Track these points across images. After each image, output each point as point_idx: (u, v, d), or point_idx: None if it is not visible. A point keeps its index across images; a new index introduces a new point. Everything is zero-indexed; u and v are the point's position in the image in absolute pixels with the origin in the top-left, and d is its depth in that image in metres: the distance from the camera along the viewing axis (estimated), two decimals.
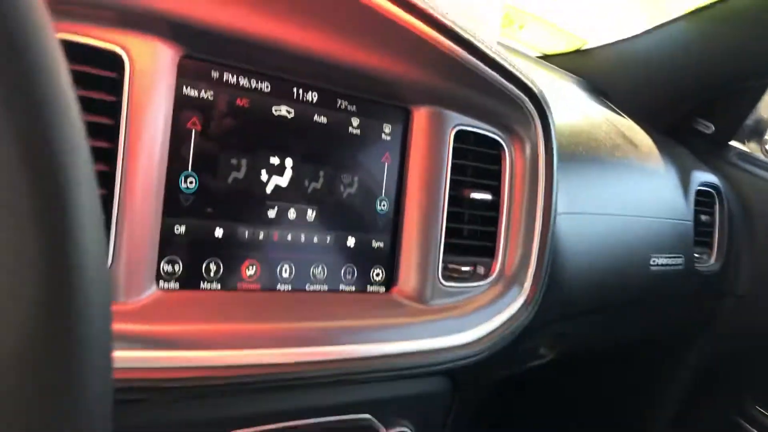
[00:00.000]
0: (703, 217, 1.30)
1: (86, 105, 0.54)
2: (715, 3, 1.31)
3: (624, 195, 1.08)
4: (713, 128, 1.48)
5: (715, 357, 1.46)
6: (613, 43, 1.53)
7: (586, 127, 1.10)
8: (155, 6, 0.54)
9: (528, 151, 0.83)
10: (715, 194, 1.34)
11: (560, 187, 0.92)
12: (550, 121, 0.82)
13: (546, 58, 1.62)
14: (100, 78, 0.54)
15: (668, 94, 1.47)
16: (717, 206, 1.35)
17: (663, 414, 1.53)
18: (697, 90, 1.45)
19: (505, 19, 1.52)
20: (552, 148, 0.82)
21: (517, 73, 0.76)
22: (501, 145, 0.83)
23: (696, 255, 1.28)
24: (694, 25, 1.38)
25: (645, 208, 1.12)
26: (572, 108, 1.16)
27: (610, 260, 1.03)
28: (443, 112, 0.77)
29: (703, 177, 1.31)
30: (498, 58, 0.74)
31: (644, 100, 1.48)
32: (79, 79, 0.53)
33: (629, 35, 1.50)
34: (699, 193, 1.29)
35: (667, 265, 1.16)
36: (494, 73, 0.74)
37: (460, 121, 0.78)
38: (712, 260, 1.33)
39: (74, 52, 0.53)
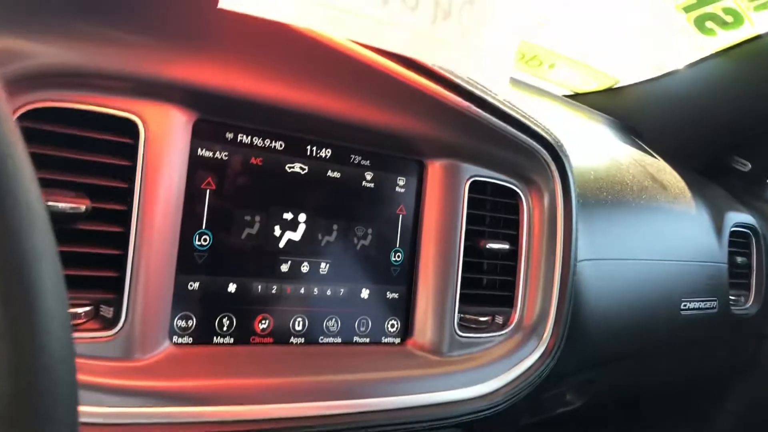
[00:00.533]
0: (739, 259, 1.26)
1: (103, 169, 0.56)
2: (746, 41, 1.29)
3: (651, 239, 1.06)
4: (750, 166, 1.45)
5: (757, 402, 1.41)
6: (645, 81, 1.52)
7: (613, 170, 1.09)
8: (170, 75, 0.57)
9: (546, 200, 0.83)
10: (751, 234, 1.31)
11: (583, 233, 0.91)
12: (568, 169, 0.81)
13: (577, 96, 1.61)
14: (116, 143, 0.57)
15: (702, 132, 1.44)
16: (754, 247, 1.31)
17: None
18: (732, 128, 1.42)
19: (535, 59, 1.52)
20: (570, 197, 0.82)
21: (531, 124, 0.77)
22: (518, 195, 0.83)
23: (732, 298, 1.25)
24: (727, 63, 1.36)
25: (674, 252, 1.10)
26: (599, 151, 1.15)
27: (637, 306, 1.01)
28: (458, 164, 0.77)
29: (737, 218, 1.28)
30: (510, 111, 0.74)
31: (678, 139, 1.46)
32: (96, 145, 0.56)
33: (661, 73, 1.49)
34: (733, 234, 1.26)
35: (699, 309, 1.14)
36: (507, 126, 0.75)
37: (475, 172, 0.79)
38: (750, 303, 1.29)
39: (91, 119, 0.55)
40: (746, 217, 1.31)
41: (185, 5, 0.52)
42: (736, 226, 1.27)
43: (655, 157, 1.33)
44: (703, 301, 1.14)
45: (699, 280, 1.15)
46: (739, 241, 1.28)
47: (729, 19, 1.25)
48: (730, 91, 1.38)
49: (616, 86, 1.55)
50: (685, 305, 1.11)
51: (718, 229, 1.22)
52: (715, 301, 1.17)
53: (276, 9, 0.46)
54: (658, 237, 1.09)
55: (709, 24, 1.28)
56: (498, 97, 0.73)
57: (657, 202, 1.12)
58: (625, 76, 1.54)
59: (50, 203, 0.53)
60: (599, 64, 1.54)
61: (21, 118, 0.52)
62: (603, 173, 1.05)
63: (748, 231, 1.30)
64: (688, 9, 1.26)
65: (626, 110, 1.52)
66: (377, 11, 0.49)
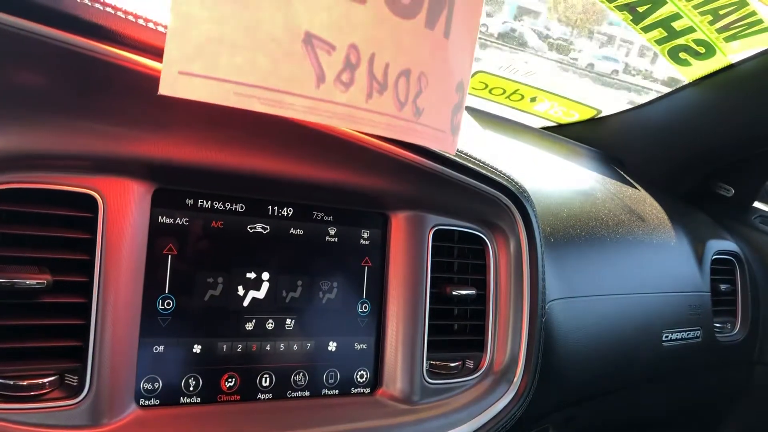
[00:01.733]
0: (723, 287, 1.27)
1: (64, 243, 0.59)
2: (721, 70, 1.31)
3: (627, 273, 1.07)
4: (733, 191, 1.46)
5: (751, 429, 1.41)
6: (625, 111, 1.54)
7: (587, 206, 1.10)
8: (127, 152, 0.59)
9: (512, 244, 0.85)
10: (735, 261, 1.32)
11: (555, 272, 0.93)
12: (531, 214, 0.83)
13: (560, 128, 1.63)
14: (76, 218, 0.59)
15: (684, 159, 1.46)
16: (738, 273, 1.32)
17: None
18: (713, 154, 1.44)
19: (516, 94, 1.54)
20: (535, 241, 0.84)
21: (491, 174, 0.79)
22: (484, 240, 0.84)
23: (717, 326, 1.25)
24: (703, 91, 1.38)
25: (653, 284, 1.11)
26: (575, 186, 1.17)
27: (616, 341, 1.02)
28: (421, 215, 0.79)
29: (719, 245, 1.29)
30: (469, 164, 0.76)
31: (660, 167, 1.47)
32: (56, 221, 0.58)
33: (641, 103, 1.51)
34: (716, 261, 1.27)
35: (682, 339, 1.14)
36: (467, 178, 0.77)
37: (438, 221, 0.81)
38: (736, 329, 1.30)
39: (51, 197, 0.58)
40: (729, 244, 1.32)
41: (136, 88, 0.54)
42: (719, 254, 1.28)
43: (636, 188, 1.35)
44: (686, 331, 1.15)
45: (681, 310, 1.16)
46: (722, 268, 1.29)
47: (701, 50, 1.27)
48: (709, 119, 1.39)
49: (597, 116, 1.57)
50: (667, 336, 1.11)
51: (699, 258, 1.23)
52: (699, 330, 1.18)
53: (214, 94, 0.48)
54: (636, 270, 1.10)
55: (682, 55, 1.31)
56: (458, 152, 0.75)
57: (634, 235, 1.13)
58: (606, 107, 1.56)
59: (14, 280, 0.55)
60: (580, 97, 1.56)
61: None
62: (577, 209, 1.07)
63: (731, 258, 1.31)
64: (660, 42, 1.28)
65: (608, 140, 1.54)
66: (313, 91, 0.51)
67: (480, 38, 0.69)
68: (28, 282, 0.56)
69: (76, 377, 0.59)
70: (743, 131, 1.35)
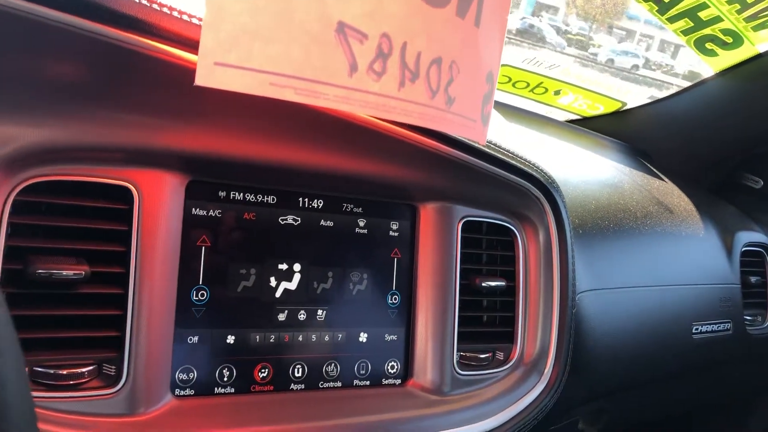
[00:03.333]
0: (753, 279, 1.25)
1: (101, 235, 0.60)
2: (748, 60, 1.30)
3: (656, 265, 1.06)
4: (762, 183, 1.44)
5: None
6: (651, 103, 1.52)
7: (615, 197, 1.09)
8: (161, 144, 0.60)
9: (541, 235, 0.84)
10: (764, 253, 1.30)
11: (584, 264, 0.92)
12: (560, 204, 0.83)
13: (585, 121, 1.62)
14: (112, 210, 0.60)
15: (711, 151, 1.44)
16: None
17: None
18: (740, 146, 1.42)
19: (540, 87, 1.54)
20: (565, 231, 0.83)
21: (519, 164, 0.79)
22: (513, 231, 0.84)
23: (748, 318, 1.24)
24: (730, 82, 1.36)
25: (682, 276, 1.10)
26: (602, 178, 1.16)
27: (645, 333, 1.01)
28: (450, 206, 0.79)
29: (748, 237, 1.27)
30: (497, 154, 0.76)
31: (686, 160, 1.46)
32: (93, 213, 0.59)
33: (667, 95, 1.49)
34: (746, 253, 1.26)
35: (712, 332, 1.13)
36: (496, 168, 0.77)
37: (467, 213, 0.81)
38: (767, 322, 1.28)
39: (87, 189, 0.59)
40: (758, 236, 1.30)
41: (171, 80, 0.55)
42: (748, 246, 1.26)
43: (663, 180, 1.33)
44: (716, 323, 1.14)
45: (711, 302, 1.15)
46: (752, 260, 1.27)
47: (728, 39, 1.26)
48: (736, 110, 1.38)
49: (622, 109, 1.56)
50: (696, 329, 1.10)
51: (729, 249, 1.22)
52: (729, 323, 1.17)
53: (249, 85, 0.49)
54: (665, 262, 1.09)
55: (709, 45, 1.29)
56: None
57: (662, 227, 1.12)
58: (631, 99, 1.55)
59: (53, 270, 0.56)
60: (604, 90, 1.55)
61: (21, 192, 0.55)
62: (605, 201, 1.06)
63: (761, 250, 1.29)
64: (686, 32, 1.27)
65: (634, 133, 1.53)
66: (346, 80, 0.52)
67: None
68: (65, 273, 0.57)
69: (113, 367, 0.60)
70: None
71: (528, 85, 1.52)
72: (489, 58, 0.64)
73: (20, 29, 0.49)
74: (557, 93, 1.56)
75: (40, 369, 0.57)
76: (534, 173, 0.80)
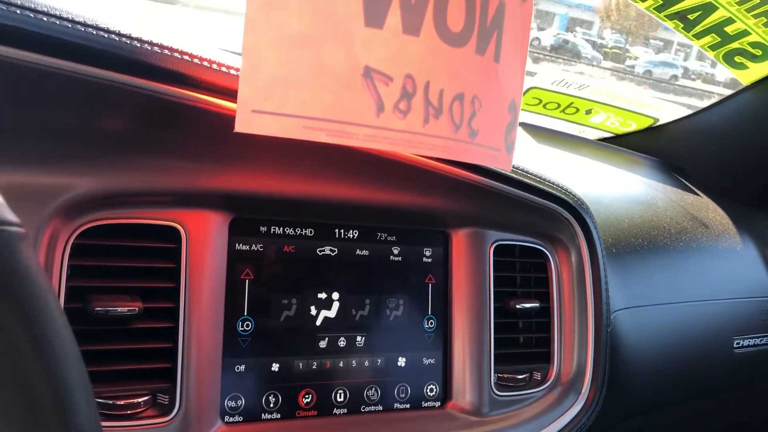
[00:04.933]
0: None
1: (152, 273, 0.64)
2: None
3: (692, 280, 1.07)
4: None
5: None
6: (684, 118, 1.53)
7: (648, 215, 1.10)
8: (205, 186, 0.65)
9: (573, 256, 0.86)
10: None
11: (618, 283, 0.94)
12: (591, 225, 0.85)
13: (618, 138, 1.63)
14: (162, 249, 0.65)
15: (746, 163, 1.43)
16: None
17: None
18: None
19: (571, 108, 1.56)
20: (596, 251, 0.85)
21: (548, 188, 0.81)
22: (545, 253, 0.86)
23: None
24: (764, 92, 1.36)
25: (719, 291, 1.10)
26: (634, 196, 1.17)
27: (683, 349, 1.02)
28: (481, 231, 0.82)
29: None
30: (525, 179, 0.79)
31: (722, 173, 1.45)
32: (145, 253, 0.63)
33: (699, 108, 1.49)
34: None
35: (755, 345, 1.13)
36: (525, 193, 0.79)
37: (499, 237, 0.83)
38: None
39: (139, 231, 0.64)
40: None
41: (213, 128, 0.59)
42: None
43: (698, 194, 1.33)
44: (758, 337, 1.13)
45: (752, 316, 1.14)
46: None
47: (757, 52, 1.26)
48: None
49: (655, 125, 1.57)
50: (738, 343, 1.10)
51: (767, 260, 1.21)
52: None
53: (285, 129, 0.53)
54: (701, 277, 1.09)
55: (738, 59, 1.30)
56: (514, 168, 0.78)
57: (698, 242, 1.13)
58: (663, 115, 1.55)
59: (110, 308, 0.61)
60: (636, 107, 1.56)
61: (80, 236, 0.60)
62: (638, 219, 1.07)
63: None
64: (713, 47, 1.28)
65: (668, 149, 1.53)
66: (373, 120, 0.55)
67: (533, 52, 0.72)
68: (120, 309, 0.61)
69: (167, 396, 0.64)
70: None
71: (559, 106, 1.54)
72: (510, 89, 0.67)
73: (74, 88, 0.53)
74: (588, 112, 1.58)
75: (100, 400, 0.61)
76: (563, 196, 0.82)
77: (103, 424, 0.61)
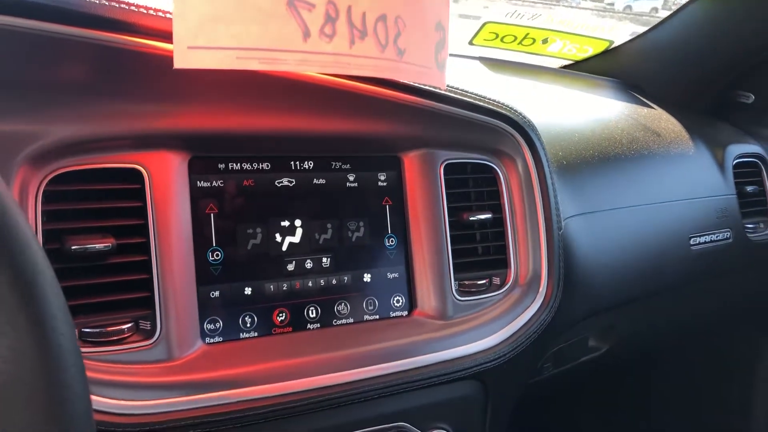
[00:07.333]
0: (750, 188, 1.30)
1: (120, 212, 0.70)
2: None
3: (646, 185, 1.13)
4: (753, 98, 1.48)
5: None
6: (636, 37, 1.57)
7: (599, 128, 1.16)
8: (162, 127, 0.70)
9: (520, 167, 0.92)
10: (760, 163, 1.35)
11: (570, 191, 1.00)
12: (534, 137, 0.90)
13: (577, 65, 1.67)
14: (128, 190, 0.70)
15: (701, 73, 1.48)
16: (765, 174, 1.35)
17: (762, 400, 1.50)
18: (730, 64, 1.46)
19: (527, 38, 1.60)
20: (542, 161, 0.91)
21: (487, 104, 0.86)
22: (493, 168, 0.92)
23: (749, 226, 1.29)
24: (712, 2, 1.40)
25: (673, 193, 1.16)
26: (588, 115, 1.22)
27: (640, 249, 1.08)
28: (431, 152, 0.88)
29: (740, 149, 1.32)
30: (465, 98, 0.84)
31: (679, 85, 1.50)
32: (112, 194, 0.69)
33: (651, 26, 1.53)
34: (740, 165, 1.31)
35: (711, 241, 1.19)
36: (465, 111, 0.85)
37: (448, 156, 0.89)
38: None
39: (104, 174, 0.69)
40: (752, 147, 1.35)
41: (158, 69, 0.64)
42: (741, 157, 1.31)
43: (653, 107, 1.39)
44: (714, 233, 1.20)
45: (707, 214, 1.21)
46: (747, 171, 1.32)
47: None
48: (720, 29, 1.41)
49: (610, 48, 1.61)
50: (695, 240, 1.16)
51: (721, 162, 1.27)
52: (729, 231, 1.22)
53: (220, 61, 0.58)
54: (654, 181, 1.15)
55: None
56: (455, 89, 0.83)
57: (650, 149, 1.18)
58: (618, 37, 1.59)
59: (86, 245, 0.67)
60: (590, 31, 1.60)
61: (49, 183, 0.66)
62: (588, 133, 1.13)
63: (756, 160, 1.34)
64: None
65: (626, 69, 1.58)
66: (301, 46, 0.60)
67: None
68: (97, 246, 0.67)
69: (148, 322, 0.70)
70: (759, 37, 1.37)
71: (516, 38, 1.58)
72: (435, 10, 0.72)
73: (31, 43, 0.59)
74: (545, 41, 1.61)
75: (88, 330, 0.67)
76: (505, 111, 0.88)
77: (94, 350, 0.67)
